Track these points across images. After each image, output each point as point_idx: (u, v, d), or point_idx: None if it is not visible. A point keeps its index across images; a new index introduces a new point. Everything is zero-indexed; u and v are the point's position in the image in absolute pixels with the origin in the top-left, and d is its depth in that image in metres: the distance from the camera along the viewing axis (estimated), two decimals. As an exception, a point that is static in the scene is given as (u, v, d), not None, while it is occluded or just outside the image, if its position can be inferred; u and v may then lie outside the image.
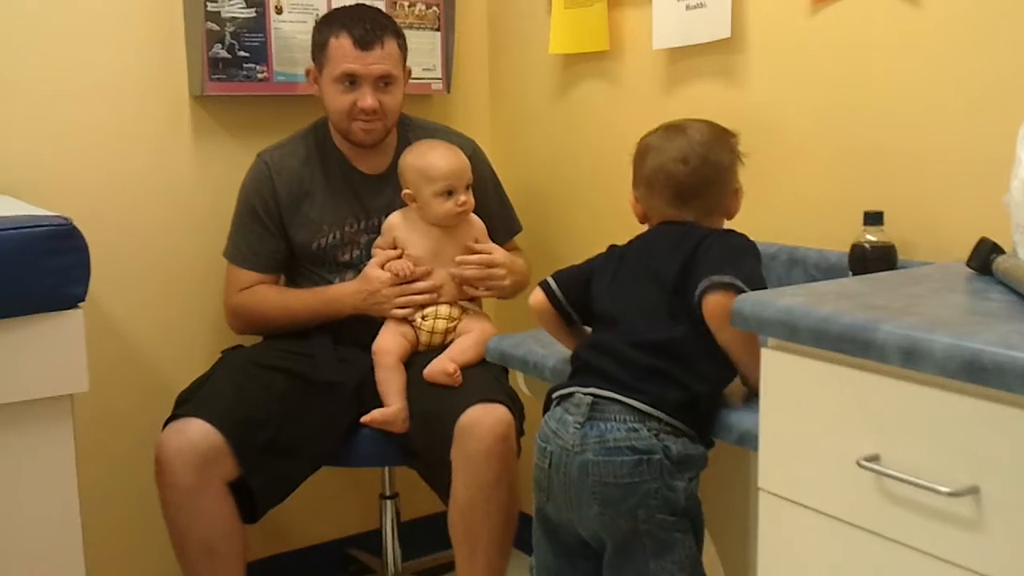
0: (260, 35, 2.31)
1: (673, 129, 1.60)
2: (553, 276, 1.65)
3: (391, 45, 2.12)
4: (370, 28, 2.09)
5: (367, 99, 2.08)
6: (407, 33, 2.23)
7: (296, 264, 2.20)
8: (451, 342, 2.05)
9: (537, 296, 1.64)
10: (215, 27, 2.25)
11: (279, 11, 2.33)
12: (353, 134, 2.13)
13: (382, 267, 2.06)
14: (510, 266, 2.12)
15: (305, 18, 2.35)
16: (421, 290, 2.06)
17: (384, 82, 2.11)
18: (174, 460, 1.84)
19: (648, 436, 1.40)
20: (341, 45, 2.08)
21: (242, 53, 2.29)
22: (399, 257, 2.06)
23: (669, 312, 1.46)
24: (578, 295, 1.62)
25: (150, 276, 2.31)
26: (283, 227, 2.16)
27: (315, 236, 2.15)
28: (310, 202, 2.15)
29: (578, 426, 1.43)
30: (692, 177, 1.55)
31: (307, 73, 2.20)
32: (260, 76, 2.32)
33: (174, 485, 1.85)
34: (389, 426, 1.96)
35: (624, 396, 1.42)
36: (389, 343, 2.04)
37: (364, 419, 1.96)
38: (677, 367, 1.43)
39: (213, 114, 2.35)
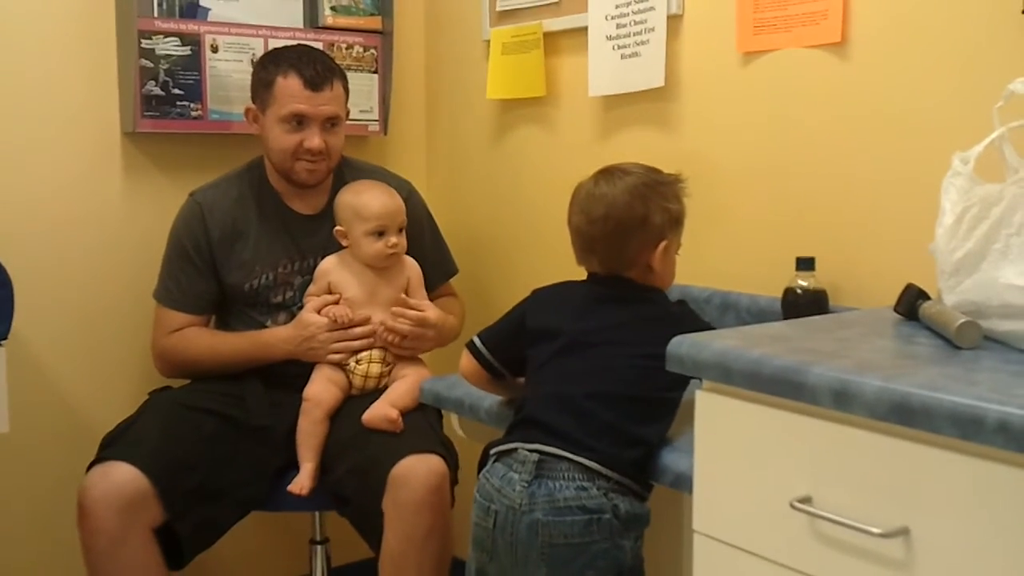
0: (195, 73, 2.29)
1: (602, 176, 1.58)
2: (479, 336, 1.63)
3: (338, 87, 2.11)
4: (320, 70, 2.08)
5: (314, 140, 2.06)
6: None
7: (227, 305, 2.16)
8: (385, 386, 2.03)
9: (465, 361, 1.63)
10: (149, 64, 2.23)
11: (215, 50, 2.31)
12: (296, 174, 2.10)
13: (318, 312, 2.02)
14: (439, 327, 2.08)
15: (241, 57, 2.34)
16: (358, 336, 2.03)
17: (331, 123, 2.10)
18: (98, 505, 1.78)
19: (598, 495, 1.38)
20: (290, 85, 2.05)
21: (176, 91, 2.27)
22: (336, 302, 2.03)
23: (632, 367, 1.45)
24: (507, 350, 1.60)
25: (76, 315, 2.26)
26: (215, 268, 2.12)
27: (248, 277, 2.11)
28: (243, 242, 2.12)
29: (525, 484, 1.40)
30: (592, 229, 1.54)
31: (247, 112, 2.16)
32: (194, 114, 2.30)
33: (98, 531, 1.79)
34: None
35: (573, 454, 1.40)
36: (321, 393, 2.00)
37: (294, 490, 1.92)
38: (633, 422, 1.42)
39: (145, 151, 2.32)
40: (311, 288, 2.08)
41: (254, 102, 2.14)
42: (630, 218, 1.53)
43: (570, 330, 1.52)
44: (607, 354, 1.48)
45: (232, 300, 2.14)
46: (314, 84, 2.06)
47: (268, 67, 2.10)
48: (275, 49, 2.18)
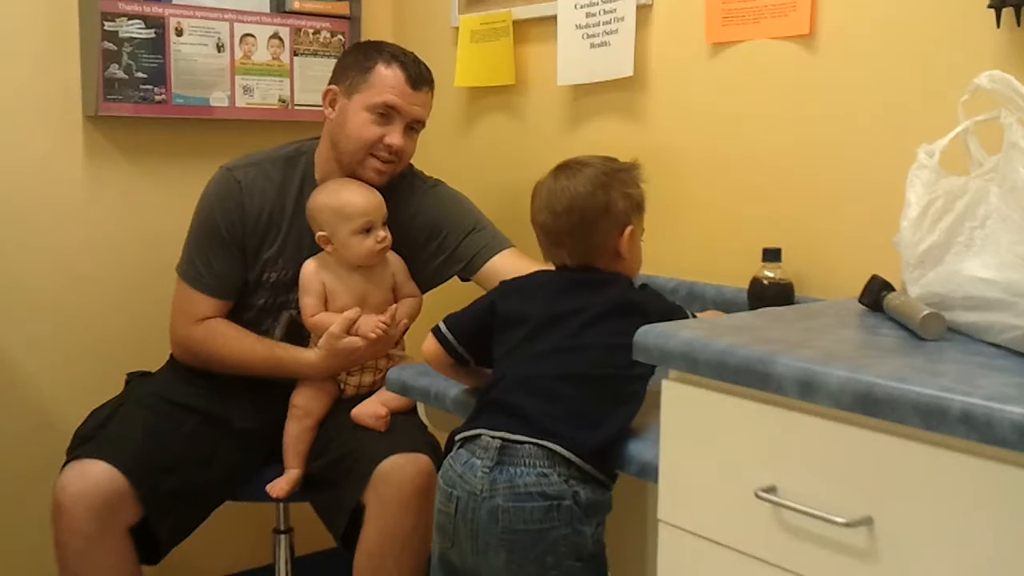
0: (159, 57, 2.26)
1: (560, 171, 1.59)
2: (444, 321, 1.62)
3: (431, 95, 2.04)
4: (423, 71, 2.01)
5: (396, 137, 1.96)
6: (310, 61, 2.19)
7: None
8: (379, 388, 1.98)
9: (429, 344, 1.62)
10: (112, 47, 2.20)
11: (179, 33, 2.29)
12: (364, 170, 1.98)
13: (348, 331, 1.92)
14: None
15: (206, 41, 2.31)
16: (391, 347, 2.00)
17: (414, 127, 2.02)
18: (76, 505, 1.73)
19: (558, 482, 1.38)
20: (391, 75, 1.96)
21: (139, 74, 2.24)
22: (357, 317, 1.94)
23: (601, 347, 1.45)
24: (472, 336, 1.59)
25: (38, 301, 2.22)
26: (244, 251, 2.01)
27: (268, 268, 2.02)
28: (274, 234, 2.01)
29: (486, 471, 1.40)
30: (558, 223, 1.55)
31: (326, 93, 2.03)
32: (158, 98, 2.27)
33: (74, 531, 1.74)
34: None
35: (537, 438, 1.39)
36: (311, 402, 1.96)
37: (272, 492, 1.90)
38: (602, 402, 1.42)
39: (107, 135, 2.29)
40: (308, 299, 1.96)
41: (338, 84, 2.02)
42: (593, 207, 1.54)
43: (540, 314, 1.52)
44: (577, 335, 1.48)
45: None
46: (415, 82, 1.98)
47: (369, 53, 2.01)
48: (372, 41, 2.09)
